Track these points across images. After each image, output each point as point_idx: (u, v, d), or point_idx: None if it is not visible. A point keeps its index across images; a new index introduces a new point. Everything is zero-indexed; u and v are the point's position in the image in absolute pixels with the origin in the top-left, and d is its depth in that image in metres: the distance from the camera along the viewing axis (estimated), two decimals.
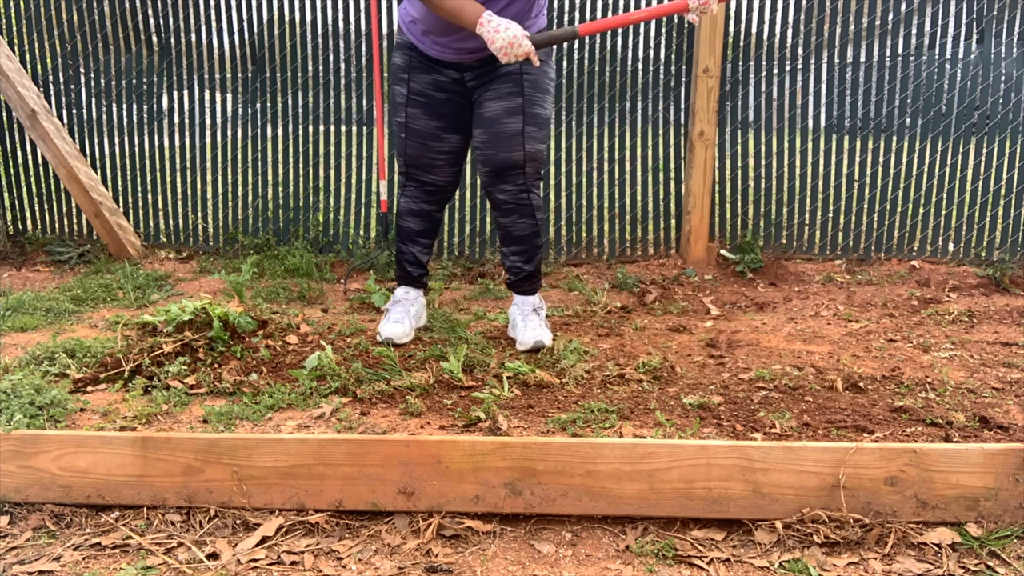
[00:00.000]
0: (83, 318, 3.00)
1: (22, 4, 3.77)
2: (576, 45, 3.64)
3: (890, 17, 3.58)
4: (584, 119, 3.72)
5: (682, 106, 3.70)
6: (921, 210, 3.69)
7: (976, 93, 3.58)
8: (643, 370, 2.37)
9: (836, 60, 3.64)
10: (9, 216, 4.05)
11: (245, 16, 3.73)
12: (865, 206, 3.71)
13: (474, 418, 2.03)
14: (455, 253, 3.83)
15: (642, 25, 3.62)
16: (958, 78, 3.58)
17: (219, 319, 2.45)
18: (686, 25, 3.61)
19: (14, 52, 3.76)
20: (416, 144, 2.60)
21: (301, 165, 3.85)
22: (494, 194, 2.60)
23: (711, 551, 1.52)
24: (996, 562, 1.47)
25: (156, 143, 3.91)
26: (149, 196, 3.95)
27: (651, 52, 3.66)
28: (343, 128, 3.81)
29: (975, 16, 3.54)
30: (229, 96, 3.86)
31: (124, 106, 3.86)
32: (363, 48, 3.72)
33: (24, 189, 4.00)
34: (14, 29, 3.79)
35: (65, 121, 3.86)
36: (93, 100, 3.87)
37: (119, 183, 3.94)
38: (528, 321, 2.62)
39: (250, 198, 3.90)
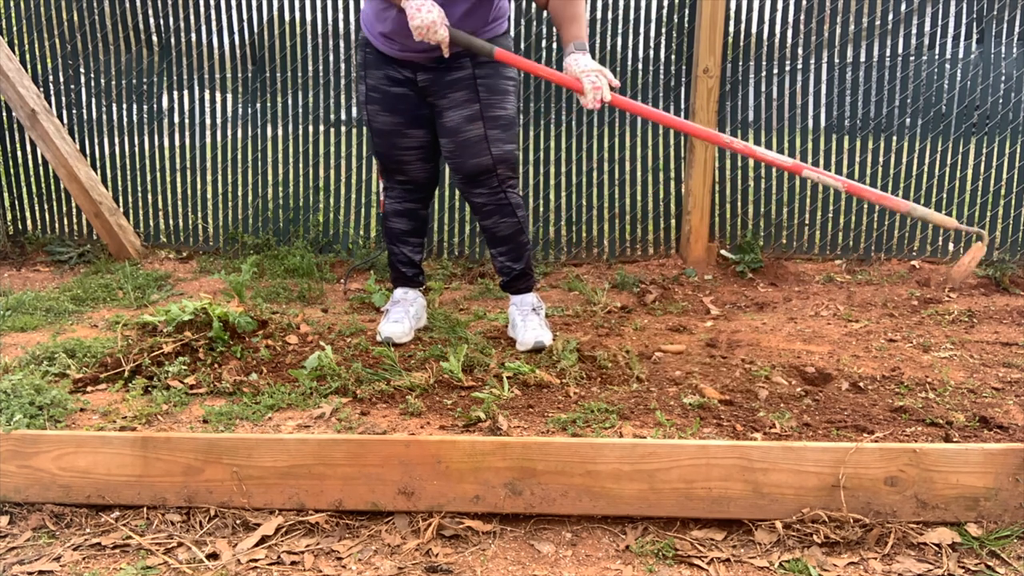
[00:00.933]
0: (83, 318, 3.00)
1: (22, 4, 3.77)
2: None
3: (890, 17, 3.58)
4: (584, 119, 3.72)
5: (682, 106, 3.70)
6: None
7: (976, 93, 3.58)
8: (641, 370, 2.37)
9: (836, 60, 3.64)
10: (9, 216, 4.05)
11: (245, 16, 3.73)
12: (865, 206, 3.71)
13: (474, 418, 2.03)
14: (455, 253, 3.83)
15: (642, 25, 3.63)
16: (958, 78, 3.58)
17: (219, 319, 2.45)
18: (686, 25, 3.61)
19: (14, 52, 3.76)
20: (381, 142, 2.60)
21: (301, 165, 3.85)
22: (471, 199, 2.60)
23: (711, 551, 1.52)
24: (996, 562, 1.47)
25: (156, 143, 3.91)
26: (149, 196, 3.95)
27: (651, 52, 3.66)
28: (343, 128, 3.81)
29: (975, 16, 3.54)
30: (229, 96, 3.86)
31: (124, 106, 3.86)
32: None
33: (24, 189, 4.00)
34: (14, 29, 3.79)
35: (65, 121, 3.86)
36: (93, 100, 3.87)
37: (119, 183, 3.94)
38: (528, 321, 2.62)
39: (250, 198, 3.90)
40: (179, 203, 3.95)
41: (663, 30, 3.64)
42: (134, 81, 3.83)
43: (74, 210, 3.98)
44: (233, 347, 2.45)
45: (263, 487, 1.64)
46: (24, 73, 3.74)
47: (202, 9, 3.74)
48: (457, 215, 3.80)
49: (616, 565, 1.49)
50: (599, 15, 3.62)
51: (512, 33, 3.61)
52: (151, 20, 3.77)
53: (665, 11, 3.62)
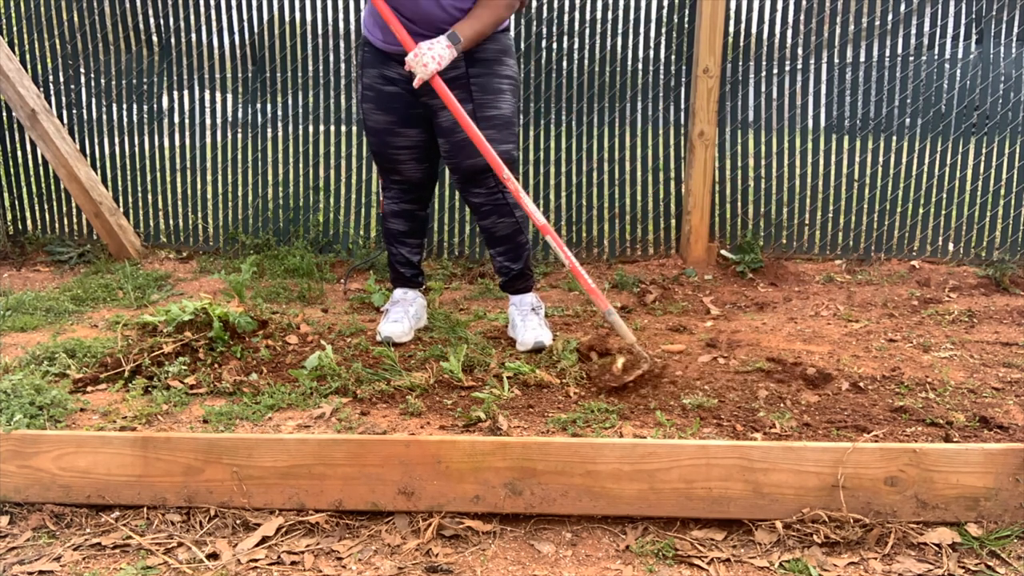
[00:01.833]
0: (83, 318, 3.00)
1: (22, 4, 3.77)
2: (576, 45, 3.64)
3: (890, 17, 3.58)
4: (584, 119, 3.72)
5: (682, 106, 3.70)
6: (921, 210, 3.69)
7: (975, 93, 3.58)
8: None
9: (836, 60, 3.64)
10: (9, 216, 4.05)
11: (245, 16, 3.73)
12: (865, 206, 3.71)
13: (474, 418, 2.03)
14: (455, 253, 3.83)
15: (642, 25, 3.63)
16: (957, 78, 3.58)
17: (219, 319, 2.45)
18: (686, 25, 3.61)
19: (14, 52, 3.76)
20: (376, 141, 2.63)
21: (301, 165, 3.85)
22: (469, 198, 2.62)
23: (711, 551, 1.52)
24: (996, 562, 1.47)
25: (156, 143, 3.91)
26: (149, 196, 3.95)
27: (651, 52, 3.66)
28: (343, 128, 3.81)
29: (974, 16, 3.54)
30: (229, 96, 3.86)
31: (124, 106, 3.86)
32: None
33: (24, 189, 4.00)
34: (14, 29, 3.79)
35: (65, 121, 3.86)
36: (93, 100, 3.87)
37: (119, 183, 3.94)
38: (528, 321, 2.62)
39: (250, 198, 3.90)
40: (179, 203, 3.95)
41: (663, 30, 3.64)
42: (134, 81, 3.83)
43: (74, 210, 3.98)
44: (233, 347, 2.45)
45: (263, 487, 1.63)
46: (24, 73, 3.74)
47: (202, 9, 3.74)
48: (457, 215, 3.80)
49: (616, 565, 1.49)
50: (599, 15, 3.62)
51: (512, 33, 3.61)
52: (151, 20, 3.77)
53: (665, 11, 3.62)
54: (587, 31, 3.63)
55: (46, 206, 4.02)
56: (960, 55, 3.57)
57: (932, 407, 2.12)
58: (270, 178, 3.89)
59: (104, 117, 3.87)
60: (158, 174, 3.93)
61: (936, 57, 3.58)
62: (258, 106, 3.81)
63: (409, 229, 2.76)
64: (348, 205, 3.85)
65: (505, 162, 2.50)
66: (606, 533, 1.59)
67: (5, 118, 3.93)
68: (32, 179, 3.99)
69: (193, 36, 3.78)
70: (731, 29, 3.61)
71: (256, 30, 3.74)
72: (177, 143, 3.92)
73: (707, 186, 3.66)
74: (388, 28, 2.50)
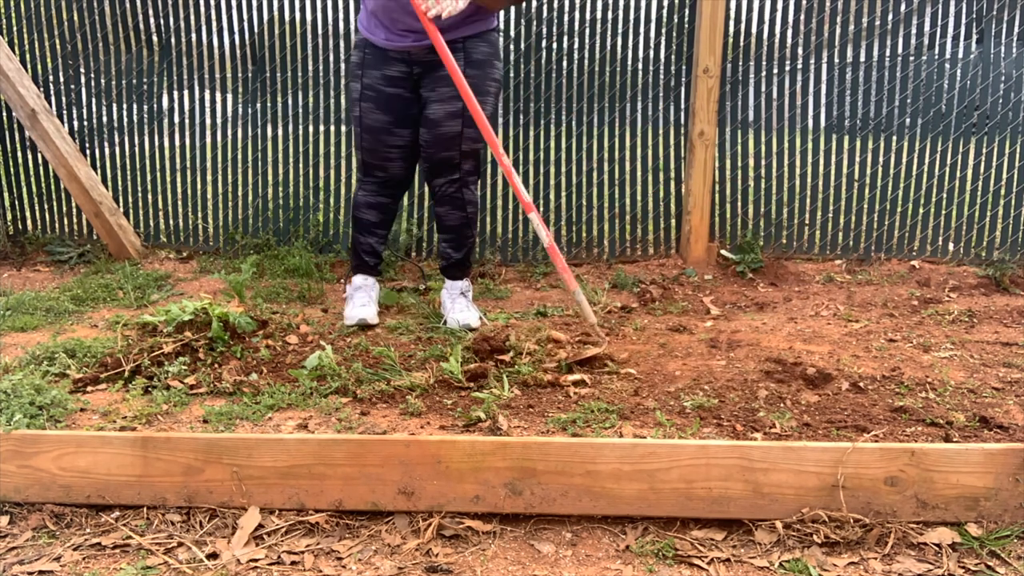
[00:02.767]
0: (83, 318, 3.00)
1: (22, 4, 3.77)
2: (576, 45, 3.64)
3: (890, 17, 3.58)
4: (584, 119, 3.72)
5: (682, 106, 3.70)
6: (921, 210, 3.69)
7: (976, 93, 3.58)
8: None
9: (836, 60, 3.64)
10: (9, 216, 4.05)
11: (245, 16, 3.73)
12: (865, 206, 3.71)
13: (474, 418, 2.03)
14: None
15: (642, 25, 3.63)
16: (958, 78, 3.58)
17: (219, 319, 2.45)
18: (686, 25, 3.61)
19: (14, 52, 3.76)
20: (369, 139, 2.78)
21: (301, 165, 3.85)
22: (432, 185, 2.85)
23: (711, 551, 1.52)
24: (996, 562, 1.47)
25: (156, 143, 3.91)
26: (149, 196, 3.95)
27: (651, 52, 3.66)
28: (343, 128, 3.81)
29: (975, 16, 3.54)
30: (229, 96, 3.86)
31: (124, 106, 3.86)
32: None
33: (24, 189, 4.00)
34: (14, 29, 3.79)
35: (65, 121, 3.86)
36: (93, 100, 3.87)
37: (119, 183, 3.94)
38: (456, 303, 2.86)
39: (250, 198, 3.90)
40: (179, 203, 3.95)
41: (663, 30, 3.64)
42: (134, 81, 3.83)
43: (74, 210, 3.98)
44: (233, 347, 2.45)
45: (263, 487, 1.64)
46: (24, 73, 3.74)
47: (202, 9, 3.74)
48: None
49: (616, 565, 1.49)
50: (599, 15, 3.62)
51: (512, 33, 3.62)
52: (151, 20, 3.77)
53: (665, 11, 3.62)
54: (587, 31, 3.63)
55: (46, 206, 4.02)
56: (960, 55, 3.57)
57: (932, 407, 2.12)
58: (270, 178, 3.88)
59: (104, 117, 3.87)
60: (158, 174, 3.93)
61: (936, 57, 3.58)
62: (258, 106, 3.81)
63: (380, 220, 2.94)
64: (348, 205, 3.85)
65: (476, 157, 2.80)
66: (606, 533, 1.59)
67: (5, 118, 3.93)
68: (32, 179, 3.99)
69: (193, 36, 3.78)
70: (731, 29, 3.61)
71: (256, 30, 3.74)
72: (177, 143, 3.92)
73: (707, 186, 3.66)
74: (390, 27, 2.64)
